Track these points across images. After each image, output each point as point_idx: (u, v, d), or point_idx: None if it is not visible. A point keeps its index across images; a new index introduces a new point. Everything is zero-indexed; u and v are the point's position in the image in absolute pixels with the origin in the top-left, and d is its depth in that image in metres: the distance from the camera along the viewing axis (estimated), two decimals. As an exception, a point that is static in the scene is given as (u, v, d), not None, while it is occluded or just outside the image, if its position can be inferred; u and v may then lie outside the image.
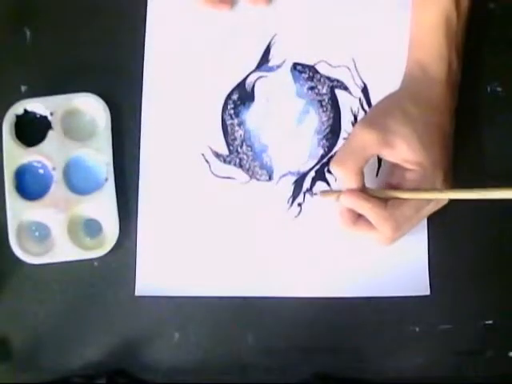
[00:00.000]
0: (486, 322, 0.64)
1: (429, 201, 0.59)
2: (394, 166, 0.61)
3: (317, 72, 0.67)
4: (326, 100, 0.67)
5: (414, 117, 0.59)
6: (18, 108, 0.66)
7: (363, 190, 0.59)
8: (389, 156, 0.59)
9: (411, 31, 0.65)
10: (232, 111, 0.67)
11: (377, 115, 0.60)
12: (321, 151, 0.66)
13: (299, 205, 0.66)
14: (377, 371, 0.64)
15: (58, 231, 0.65)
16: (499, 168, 0.66)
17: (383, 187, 0.62)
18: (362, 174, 0.59)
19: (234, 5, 0.68)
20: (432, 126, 0.59)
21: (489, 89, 0.67)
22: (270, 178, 0.66)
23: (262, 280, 0.65)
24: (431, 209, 0.60)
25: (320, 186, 0.66)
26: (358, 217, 0.60)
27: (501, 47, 0.68)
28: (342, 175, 0.59)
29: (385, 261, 0.64)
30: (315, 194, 0.65)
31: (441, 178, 0.59)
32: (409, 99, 0.60)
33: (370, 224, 0.59)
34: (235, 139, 0.67)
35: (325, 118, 0.67)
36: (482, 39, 0.66)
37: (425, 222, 0.64)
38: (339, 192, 0.60)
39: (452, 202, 0.60)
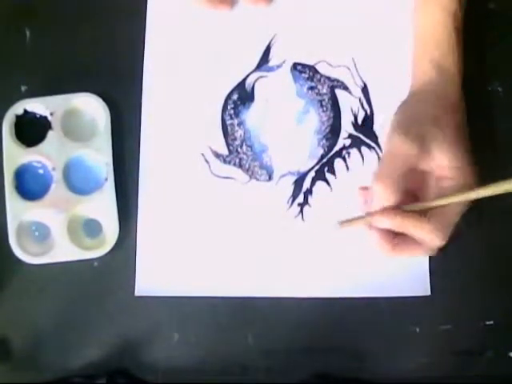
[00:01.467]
0: (487, 323, 0.64)
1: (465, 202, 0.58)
2: (426, 178, 0.59)
3: (317, 72, 0.67)
4: (326, 100, 0.67)
5: (444, 120, 0.58)
6: (18, 108, 0.66)
7: (397, 208, 0.57)
8: (425, 165, 0.58)
9: (418, 33, 0.64)
10: (232, 111, 0.67)
11: (410, 125, 0.59)
12: (321, 151, 0.66)
13: (299, 205, 0.66)
14: (377, 371, 0.64)
15: (57, 231, 0.65)
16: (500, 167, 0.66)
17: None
18: (400, 191, 0.57)
19: (233, 5, 0.68)
20: (458, 124, 0.59)
21: (489, 89, 0.67)
22: (270, 178, 0.66)
23: (261, 280, 0.65)
24: (462, 211, 0.59)
25: (320, 185, 0.66)
26: (394, 235, 0.58)
27: (501, 47, 0.67)
28: (382, 192, 0.57)
29: (385, 261, 0.64)
30: (338, 223, 0.60)
31: (475, 174, 0.58)
32: (435, 103, 0.60)
33: (411, 242, 0.58)
34: (235, 139, 0.67)
35: (325, 118, 0.67)
36: (482, 39, 0.66)
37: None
38: (363, 217, 0.58)
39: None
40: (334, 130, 0.67)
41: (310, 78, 0.67)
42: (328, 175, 0.66)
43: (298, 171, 0.66)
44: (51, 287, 0.65)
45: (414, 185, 0.59)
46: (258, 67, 0.68)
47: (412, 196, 0.59)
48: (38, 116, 0.67)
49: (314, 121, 0.67)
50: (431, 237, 0.57)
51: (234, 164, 0.66)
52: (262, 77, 0.67)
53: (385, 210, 0.57)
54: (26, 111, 0.67)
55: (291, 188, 0.66)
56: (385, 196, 0.57)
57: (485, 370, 0.63)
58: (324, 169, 0.66)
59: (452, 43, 0.61)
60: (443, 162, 0.57)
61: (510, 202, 0.63)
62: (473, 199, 0.57)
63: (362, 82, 0.67)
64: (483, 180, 0.57)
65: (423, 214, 0.57)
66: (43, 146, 0.66)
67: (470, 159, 0.58)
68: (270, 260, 0.65)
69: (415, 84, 0.63)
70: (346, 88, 0.67)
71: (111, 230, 0.65)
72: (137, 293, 0.65)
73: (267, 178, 0.66)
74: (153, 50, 0.68)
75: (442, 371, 0.64)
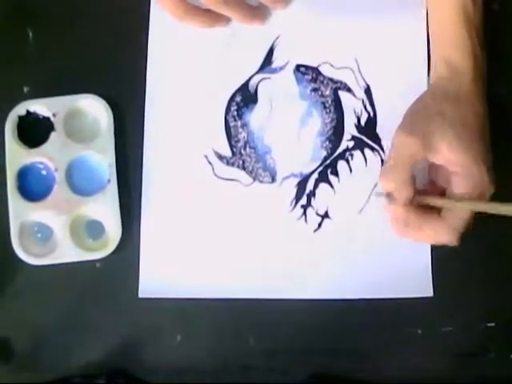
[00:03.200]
0: (488, 324, 0.64)
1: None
2: (440, 169, 0.60)
3: (320, 74, 0.67)
4: (329, 101, 0.67)
5: (451, 116, 0.58)
6: (21, 109, 0.66)
7: (414, 199, 0.58)
8: (434, 159, 0.58)
9: (431, 30, 0.64)
10: (235, 113, 0.67)
11: (415, 121, 0.60)
12: (324, 153, 0.66)
13: (302, 207, 0.65)
14: (378, 373, 0.64)
15: (60, 232, 0.65)
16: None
17: (432, 190, 0.61)
18: (412, 183, 0.58)
19: (229, 21, 0.67)
20: (468, 121, 0.59)
21: (492, 90, 0.67)
22: (273, 180, 0.66)
23: (264, 282, 0.65)
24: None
25: (323, 188, 0.66)
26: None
27: (505, 48, 0.67)
28: (392, 189, 0.58)
29: (387, 262, 0.64)
30: (377, 194, 0.63)
31: (486, 173, 0.58)
32: (442, 99, 0.60)
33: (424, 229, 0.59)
34: (238, 141, 0.67)
35: (328, 120, 0.67)
36: (485, 40, 0.66)
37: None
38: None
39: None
40: (337, 132, 0.67)
41: (313, 80, 0.67)
42: (331, 177, 0.66)
43: (301, 173, 0.66)
44: (53, 288, 0.66)
45: (440, 177, 0.60)
46: (261, 69, 0.67)
47: (440, 187, 0.60)
48: (40, 117, 0.67)
49: (317, 123, 0.67)
50: (442, 234, 0.58)
51: (238, 166, 0.66)
52: (265, 78, 0.67)
53: (397, 208, 0.58)
54: (28, 112, 0.66)
55: (294, 190, 0.66)
56: (397, 192, 0.58)
57: (486, 371, 0.63)
58: (327, 171, 0.66)
59: (463, 40, 0.61)
60: (451, 158, 0.58)
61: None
62: (480, 210, 0.58)
63: (366, 83, 0.67)
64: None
65: (438, 210, 0.58)
66: (46, 147, 0.66)
67: (483, 159, 0.58)
68: (273, 262, 0.65)
69: (432, 81, 0.63)
70: (349, 90, 0.67)
71: (114, 232, 0.65)
72: (140, 294, 0.65)
73: (270, 179, 0.66)
74: (156, 51, 0.68)
75: (443, 372, 0.64)
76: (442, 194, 0.60)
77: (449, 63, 0.61)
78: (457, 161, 0.57)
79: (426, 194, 0.60)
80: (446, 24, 0.62)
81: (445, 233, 0.58)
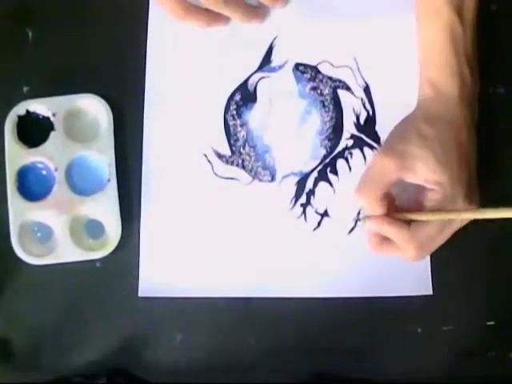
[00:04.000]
0: (488, 323, 0.64)
1: (452, 220, 0.59)
2: (417, 186, 0.60)
3: (319, 72, 0.67)
4: (329, 100, 0.67)
5: (430, 137, 0.58)
6: (20, 109, 0.66)
7: (388, 214, 0.59)
8: (410, 179, 0.59)
9: (419, 49, 0.64)
10: (234, 112, 0.67)
11: (393, 141, 0.60)
12: (323, 152, 0.66)
13: (302, 205, 0.66)
14: (378, 372, 0.64)
15: (60, 232, 0.65)
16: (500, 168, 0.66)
17: (408, 205, 0.61)
18: (385, 200, 0.58)
19: (229, 21, 0.67)
20: (449, 144, 0.59)
21: (491, 90, 0.67)
22: (273, 179, 0.66)
23: (264, 281, 0.65)
24: (455, 227, 0.60)
25: (322, 186, 0.66)
26: (385, 238, 0.60)
27: (502, 48, 0.67)
28: (364, 204, 0.59)
29: (387, 260, 0.64)
30: (359, 219, 0.65)
31: (462, 195, 0.58)
32: (423, 120, 0.60)
33: (396, 245, 0.60)
34: (238, 140, 0.67)
35: (327, 119, 0.67)
36: (483, 40, 0.66)
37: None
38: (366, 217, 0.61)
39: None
40: (337, 131, 0.67)
41: (312, 79, 0.67)
42: (330, 176, 0.66)
43: (300, 172, 0.66)
44: (53, 288, 0.65)
45: (419, 195, 0.60)
46: (261, 68, 0.68)
47: (418, 204, 0.60)
48: (40, 117, 0.67)
49: (317, 121, 0.67)
50: (407, 245, 0.59)
51: (237, 165, 0.66)
52: (264, 77, 0.67)
53: (374, 216, 0.59)
54: (28, 112, 0.66)
55: (294, 188, 0.66)
56: (368, 207, 0.59)
57: (486, 370, 0.63)
58: (326, 169, 0.66)
59: (449, 62, 0.61)
60: (428, 177, 0.58)
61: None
62: (454, 219, 0.59)
63: (365, 82, 0.67)
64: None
65: (408, 223, 0.59)
66: (46, 146, 0.65)
67: (462, 178, 0.58)
68: (273, 260, 0.65)
69: (417, 102, 0.63)
70: (348, 88, 0.67)
71: (114, 231, 0.65)
72: (140, 293, 0.65)
73: (270, 178, 0.66)
74: (155, 50, 0.68)
75: (443, 371, 0.64)
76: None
77: (434, 84, 0.61)
78: (434, 179, 0.58)
79: (408, 211, 0.60)
80: (432, 44, 0.62)
81: (408, 246, 0.59)
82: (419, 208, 0.60)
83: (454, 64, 0.61)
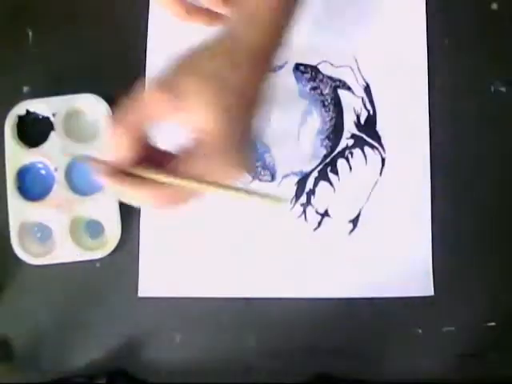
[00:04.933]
0: (489, 324, 0.64)
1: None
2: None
3: (319, 72, 0.67)
4: (329, 100, 0.67)
5: (206, 70, 0.48)
6: (20, 109, 0.66)
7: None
8: (182, 123, 0.48)
9: None
10: (234, 112, 0.67)
11: (168, 74, 0.49)
12: (323, 151, 0.66)
13: (302, 205, 0.65)
14: (379, 373, 0.64)
15: (59, 232, 0.65)
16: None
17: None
18: (137, 148, 0.48)
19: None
20: (232, 84, 0.48)
21: (492, 89, 0.67)
22: (273, 179, 0.66)
23: (264, 281, 0.65)
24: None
25: (323, 186, 0.66)
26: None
27: (503, 46, 0.67)
28: (118, 143, 0.48)
29: (388, 261, 0.64)
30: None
31: (230, 157, 0.47)
32: (203, 50, 0.50)
33: None
34: (237, 140, 0.67)
35: (327, 118, 0.67)
36: (483, 39, 0.66)
37: (428, 222, 0.64)
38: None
39: (457, 202, 0.60)
40: (337, 130, 0.66)
41: (313, 79, 0.67)
42: (331, 175, 0.66)
43: (300, 171, 0.66)
44: (53, 288, 0.66)
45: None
46: (261, 67, 0.67)
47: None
48: (40, 117, 0.67)
49: (317, 121, 0.67)
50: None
51: (237, 164, 0.66)
52: (264, 77, 0.67)
53: (108, 169, 0.48)
54: (28, 112, 0.67)
55: (294, 188, 0.66)
56: (118, 147, 0.48)
57: (487, 371, 0.63)
58: (327, 169, 0.66)
59: None
60: (197, 122, 0.47)
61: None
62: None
63: (365, 81, 0.67)
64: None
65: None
66: (45, 146, 0.66)
67: (238, 134, 0.47)
68: (273, 260, 0.65)
69: None
70: (348, 88, 0.67)
71: (113, 231, 0.65)
72: (140, 293, 0.65)
73: (270, 178, 0.66)
74: (155, 50, 0.68)
75: (444, 372, 0.64)
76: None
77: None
78: (206, 122, 0.46)
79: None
80: None
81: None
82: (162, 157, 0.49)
83: None
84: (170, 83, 0.48)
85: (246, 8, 0.51)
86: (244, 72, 0.49)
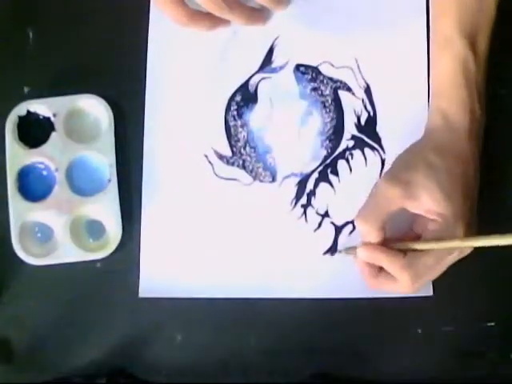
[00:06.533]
0: (488, 324, 0.64)
1: (451, 250, 0.58)
2: (417, 216, 0.60)
3: (320, 73, 0.67)
4: (329, 101, 0.67)
5: (437, 167, 0.58)
6: (21, 109, 0.66)
7: (384, 244, 0.59)
8: (413, 208, 0.58)
9: (431, 80, 0.64)
10: (235, 112, 0.67)
11: (399, 169, 0.60)
12: (324, 152, 0.66)
13: (302, 206, 0.66)
14: (378, 372, 0.64)
15: (60, 232, 0.65)
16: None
17: (406, 234, 0.61)
18: (384, 229, 0.59)
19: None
20: (455, 176, 0.58)
21: (492, 90, 0.67)
22: (274, 180, 0.66)
23: (264, 281, 0.65)
24: (454, 258, 0.59)
25: (323, 187, 0.66)
26: (380, 270, 0.60)
27: (504, 48, 0.67)
28: (365, 231, 0.59)
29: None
30: (339, 251, 0.64)
31: (462, 230, 0.58)
32: (431, 149, 0.59)
33: (392, 276, 0.59)
34: (238, 140, 0.67)
35: (328, 119, 0.67)
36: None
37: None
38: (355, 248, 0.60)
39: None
40: (337, 132, 0.67)
41: (313, 79, 0.67)
42: (331, 176, 0.66)
43: (301, 172, 0.66)
44: (54, 288, 0.66)
45: (415, 224, 0.61)
46: (261, 68, 0.68)
47: (413, 233, 0.61)
48: (41, 117, 0.67)
49: (317, 122, 0.67)
50: (402, 273, 0.58)
51: (238, 165, 0.66)
52: (265, 78, 0.67)
53: (367, 245, 0.59)
54: (29, 112, 0.66)
55: (294, 189, 0.66)
56: (367, 234, 0.59)
57: (486, 371, 0.63)
58: (327, 170, 0.66)
59: (462, 98, 0.60)
60: (431, 207, 0.58)
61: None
62: (462, 249, 0.59)
63: (365, 82, 0.67)
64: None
65: (403, 252, 0.58)
66: (46, 147, 0.65)
67: (465, 212, 0.58)
68: (273, 261, 0.65)
69: (425, 131, 0.62)
70: (349, 89, 0.67)
71: (114, 232, 0.65)
72: (141, 294, 0.65)
73: (271, 179, 0.66)
74: (156, 50, 0.68)
75: (443, 372, 0.64)
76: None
77: (444, 115, 0.61)
78: (437, 210, 0.57)
79: (400, 240, 0.60)
80: (445, 76, 0.61)
81: (403, 275, 0.58)
82: (413, 238, 0.60)
83: (466, 97, 0.60)
84: (402, 177, 0.58)
85: None
86: (467, 165, 0.59)
